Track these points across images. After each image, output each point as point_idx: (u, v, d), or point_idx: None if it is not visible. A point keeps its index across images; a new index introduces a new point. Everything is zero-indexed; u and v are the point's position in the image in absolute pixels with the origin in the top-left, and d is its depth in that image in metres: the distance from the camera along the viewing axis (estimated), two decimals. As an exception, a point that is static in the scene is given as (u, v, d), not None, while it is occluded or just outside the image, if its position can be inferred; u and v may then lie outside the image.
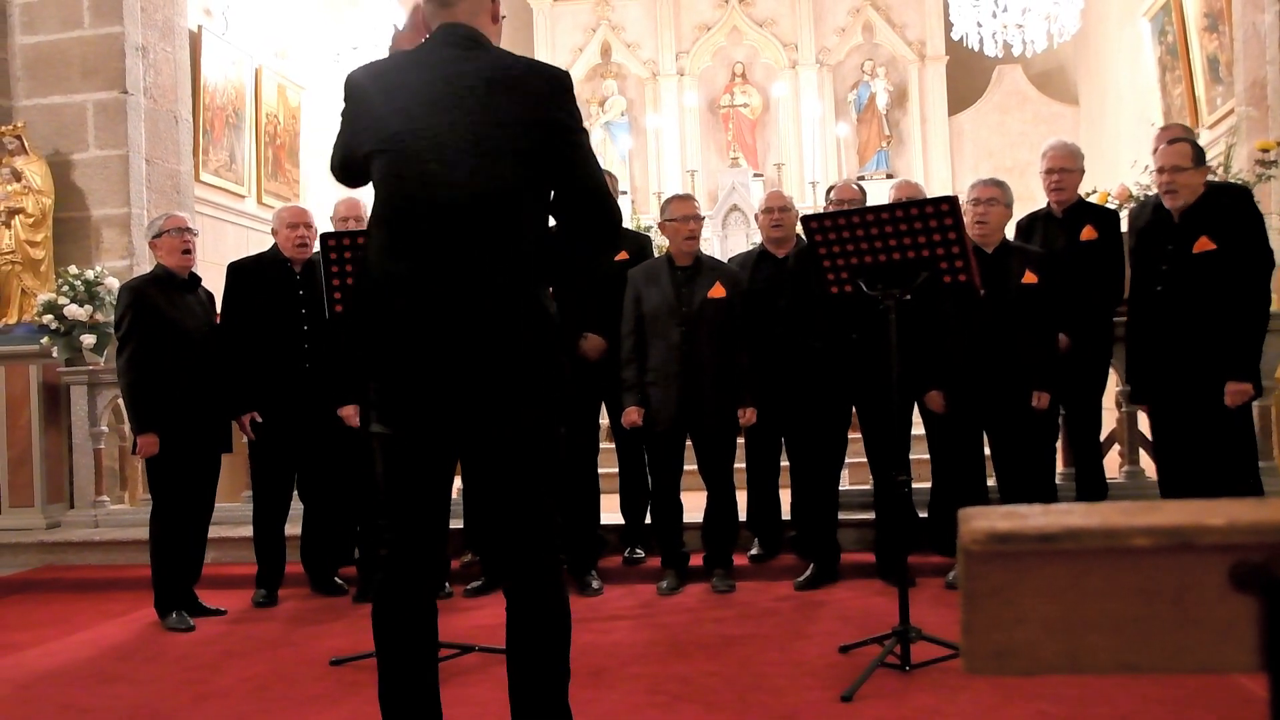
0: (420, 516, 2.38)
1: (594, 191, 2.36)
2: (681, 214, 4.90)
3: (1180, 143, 4.44)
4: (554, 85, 2.35)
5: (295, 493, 5.17)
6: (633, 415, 4.84)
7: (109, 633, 4.66)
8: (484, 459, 2.37)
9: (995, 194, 4.52)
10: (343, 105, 2.43)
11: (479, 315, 2.26)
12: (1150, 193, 4.91)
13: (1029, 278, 4.46)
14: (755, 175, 11.85)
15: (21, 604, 5.39)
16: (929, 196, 4.16)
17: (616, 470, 5.40)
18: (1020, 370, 4.45)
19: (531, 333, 2.30)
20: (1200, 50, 7.72)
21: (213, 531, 5.45)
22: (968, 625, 0.89)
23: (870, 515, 5.09)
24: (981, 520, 0.88)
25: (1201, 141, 7.26)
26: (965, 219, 4.13)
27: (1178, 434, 4.43)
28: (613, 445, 5.42)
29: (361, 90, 2.40)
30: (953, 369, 4.53)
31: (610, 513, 5.41)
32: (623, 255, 5.20)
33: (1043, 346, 4.49)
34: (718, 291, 4.82)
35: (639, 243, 5.45)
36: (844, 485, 5.17)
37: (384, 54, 2.57)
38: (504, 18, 2.54)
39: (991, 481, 4.80)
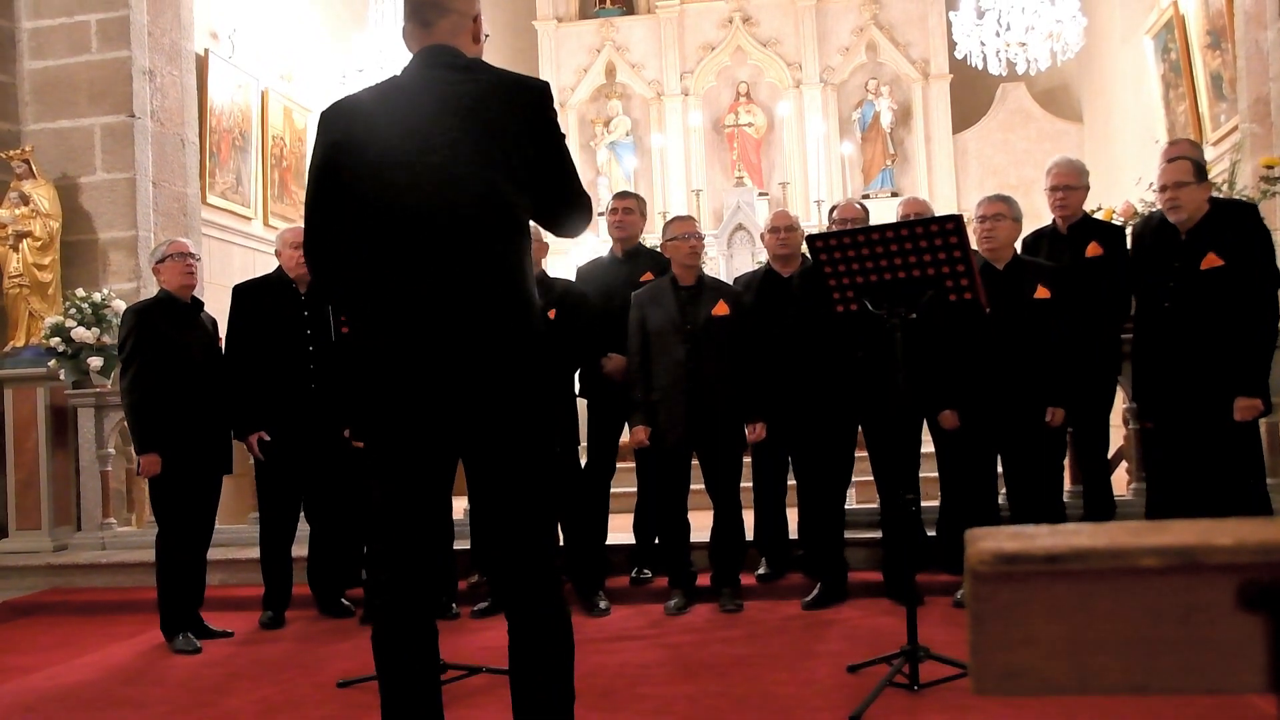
0: (418, 537, 2.37)
1: (574, 201, 2.46)
2: (682, 232, 4.93)
3: (1181, 160, 4.44)
4: (536, 95, 2.38)
5: (302, 514, 5.17)
6: (640, 435, 4.85)
7: (116, 655, 4.66)
8: (482, 479, 2.36)
9: (1001, 209, 4.51)
10: (319, 137, 2.42)
11: (476, 333, 2.27)
12: (1155, 209, 4.91)
13: (1042, 292, 4.45)
14: (760, 194, 11.88)
15: (28, 627, 5.39)
16: (934, 215, 4.17)
17: (633, 489, 5.39)
18: (1034, 386, 4.43)
19: (528, 349, 2.31)
20: (1203, 67, 7.74)
21: (220, 553, 5.46)
22: (975, 646, 0.89)
23: (878, 534, 5.07)
24: (988, 541, 0.88)
25: (1206, 158, 7.26)
26: (973, 237, 4.15)
27: (1180, 452, 4.41)
28: (632, 464, 5.40)
29: (339, 118, 2.39)
30: (965, 387, 4.52)
31: (618, 532, 5.40)
32: (647, 276, 5.22)
33: (1057, 362, 4.47)
34: (721, 309, 4.83)
35: (661, 264, 5.46)
36: (851, 504, 5.16)
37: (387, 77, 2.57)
38: (486, 37, 2.54)
39: (1000, 499, 4.79)
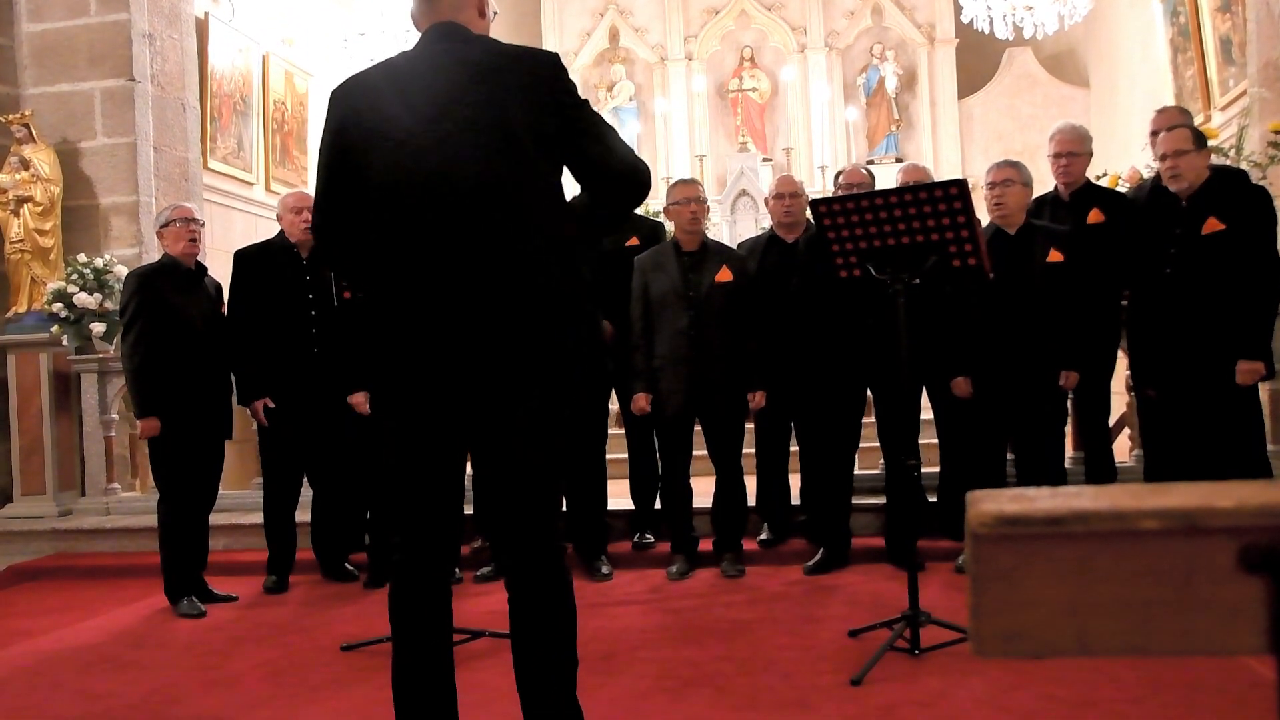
0: (433, 504, 2.38)
1: (606, 161, 2.33)
2: (684, 196, 4.91)
3: (1180, 128, 4.43)
4: (547, 66, 2.36)
5: (305, 479, 5.19)
6: (641, 401, 4.85)
7: (121, 619, 4.69)
8: (488, 446, 2.37)
9: (1010, 174, 4.49)
10: (329, 115, 2.41)
11: (484, 304, 2.26)
12: (1150, 176, 4.89)
13: (1054, 256, 4.43)
14: (764, 160, 11.82)
15: (34, 591, 5.42)
16: (937, 180, 4.15)
17: (626, 456, 5.40)
18: (1046, 351, 4.42)
19: (542, 318, 2.30)
20: (1213, 31, 7.66)
21: (224, 518, 5.49)
22: (976, 608, 0.89)
23: (880, 500, 5.09)
24: (989, 503, 0.88)
25: (1213, 123, 7.23)
26: (982, 204, 4.13)
27: (1180, 418, 4.40)
28: (623, 431, 5.42)
29: (351, 95, 2.39)
30: (976, 353, 4.51)
31: (619, 498, 5.41)
32: (633, 241, 5.20)
33: (1070, 326, 4.45)
34: (724, 275, 4.82)
35: (651, 228, 5.45)
36: (854, 470, 5.15)
37: (389, 41, 2.56)
38: (495, 15, 2.54)
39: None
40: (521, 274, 2.28)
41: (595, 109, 2.40)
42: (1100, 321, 4.79)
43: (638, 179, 2.36)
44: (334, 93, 2.43)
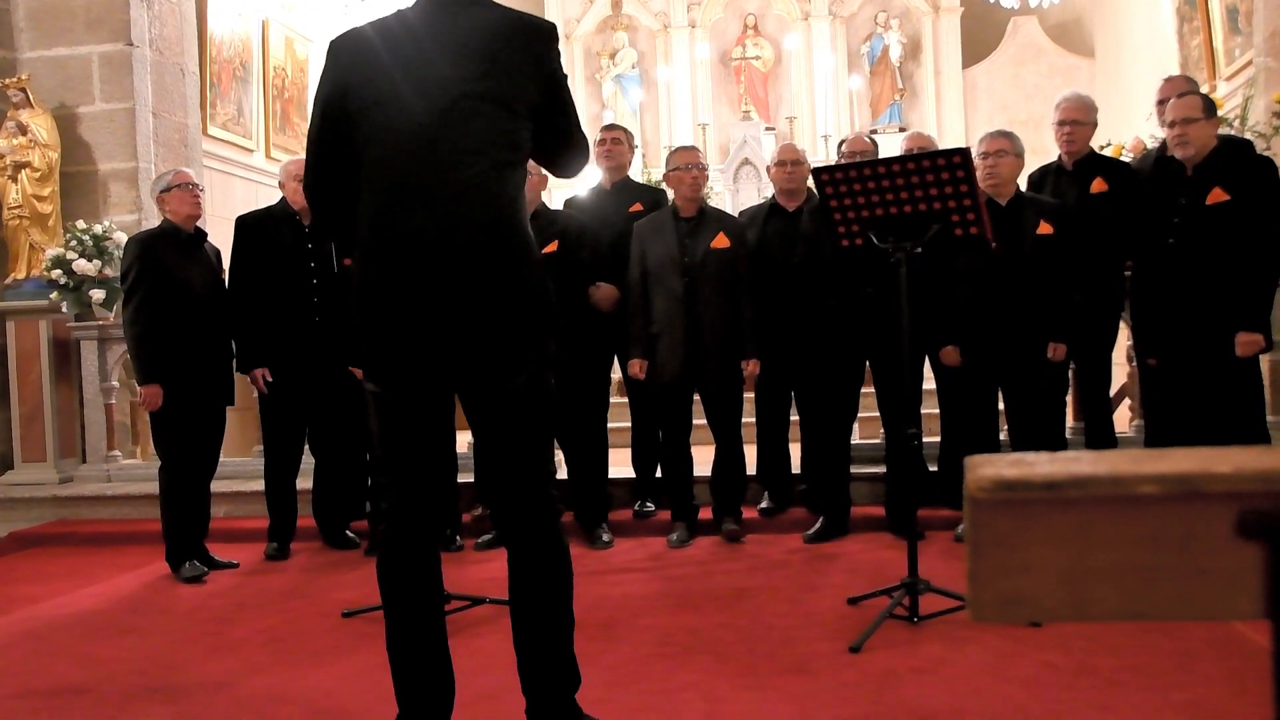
0: (419, 470, 2.40)
1: (574, 140, 2.51)
2: (685, 163, 4.90)
3: (1190, 95, 4.38)
4: (543, 36, 2.42)
5: (307, 447, 5.19)
6: (635, 367, 4.86)
7: (123, 586, 4.71)
8: (479, 411, 2.39)
9: (1003, 145, 4.47)
10: (325, 69, 2.42)
11: (472, 267, 2.28)
12: (1155, 146, 4.85)
13: (1044, 229, 4.42)
14: (767, 129, 11.76)
15: (36, 557, 5.44)
16: (941, 148, 4.12)
17: (628, 425, 5.40)
18: (1035, 322, 4.42)
19: (525, 283, 2.33)
20: (1219, 0, 7.60)
21: (225, 485, 5.50)
22: (974, 574, 0.89)
23: (881, 469, 5.10)
24: (988, 468, 0.87)
25: (1219, 93, 7.18)
26: (976, 173, 4.10)
27: (1181, 389, 4.40)
28: (624, 399, 5.42)
29: (348, 51, 2.39)
30: (968, 323, 4.51)
31: (620, 466, 5.42)
32: (637, 207, 5.20)
33: (1058, 298, 4.45)
34: (720, 242, 4.81)
35: (654, 197, 5.44)
36: (854, 439, 5.17)
37: (390, 6, 2.56)
38: None
39: (1003, 436, 4.80)
40: (508, 240, 2.31)
41: (569, 88, 2.54)
42: (1099, 292, 4.77)
43: (582, 160, 2.61)
44: (332, 46, 2.43)
